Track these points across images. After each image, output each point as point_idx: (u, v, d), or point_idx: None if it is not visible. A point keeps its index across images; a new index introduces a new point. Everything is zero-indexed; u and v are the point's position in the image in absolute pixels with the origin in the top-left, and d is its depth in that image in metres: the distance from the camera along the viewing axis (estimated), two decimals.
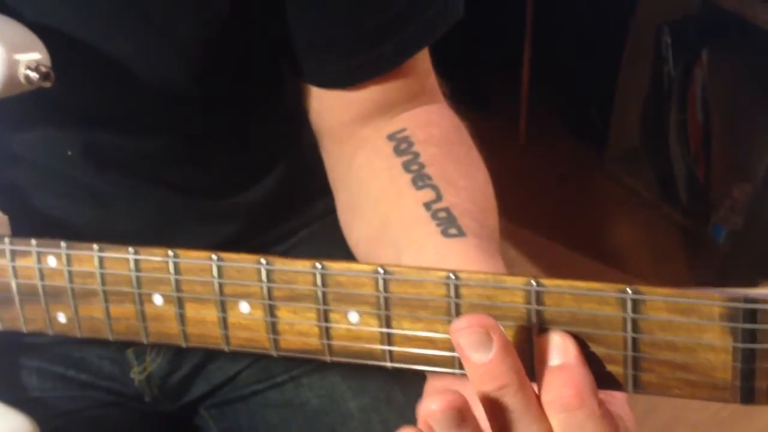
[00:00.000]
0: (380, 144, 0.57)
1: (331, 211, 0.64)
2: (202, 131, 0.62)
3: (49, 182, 0.60)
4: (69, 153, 0.58)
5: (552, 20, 1.78)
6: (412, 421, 0.35)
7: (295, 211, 0.70)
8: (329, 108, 0.60)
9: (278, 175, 0.68)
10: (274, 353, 0.41)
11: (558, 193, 1.77)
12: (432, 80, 0.62)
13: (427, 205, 0.51)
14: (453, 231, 0.49)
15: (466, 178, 0.54)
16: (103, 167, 0.60)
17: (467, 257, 0.48)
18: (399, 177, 0.54)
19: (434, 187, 0.52)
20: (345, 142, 0.60)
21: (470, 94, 2.03)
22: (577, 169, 1.85)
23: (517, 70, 1.82)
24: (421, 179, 0.53)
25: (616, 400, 0.38)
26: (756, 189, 1.46)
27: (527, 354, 0.35)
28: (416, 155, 0.54)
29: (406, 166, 0.54)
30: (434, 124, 0.58)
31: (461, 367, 0.37)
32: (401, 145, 0.56)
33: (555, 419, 0.34)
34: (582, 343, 0.34)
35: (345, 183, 0.61)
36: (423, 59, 0.60)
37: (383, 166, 0.56)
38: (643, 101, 1.72)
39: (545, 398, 0.34)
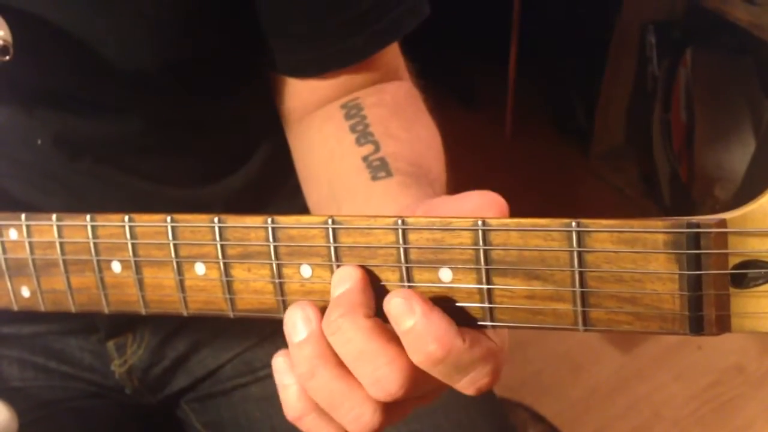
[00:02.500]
0: (333, 111, 0.58)
1: None
2: (176, 118, 0.61)
3: (18, 172, 0.60)
4: (39, 142, 0.58)
5: (538, 18, 1.79)
6: None
7: (276, 199, 0.70)
8: (295, 93, 0.61)
9: (256, 164, 0.67)
10: (230, 314, 0.41)
11: (542, 190, 1.77)
12: (397, 67, 0.63)
13: (365, 158, 0.52)
14: (381, 174, 0.50)
15: (409, 132, 0.55)
16: (75, 156, 0.60)
17: (390, 194, 0.49)
18: (344, 138, 0.55)
19: (374, 142, 0.53)
20: (303, 119, 0.61)
21: (457, 91, 2.04)
22: (562, 166, 1.85)
23: (503, 67, 1.83)
24: (364, 137, 0.54)
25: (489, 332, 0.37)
26: (738, 188, 1.46)
27: None
28: (363, 117, 0.56)
29: (353, 128, 0.55)
30: (386, 92, 0.60)
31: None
32: (351, 110, 0.57)
33: (433, 371, 0.35)
34: (527, 281, 0.34)
35: (301, 154, 0.62)
36: (392, 51, 0.61)
37: (332, 130, 0.57)
38: (628, 100, 1.73)
39: (415, 361, 0.34)
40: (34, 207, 0.60)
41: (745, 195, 1.35)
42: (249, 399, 0.71)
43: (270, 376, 0.70)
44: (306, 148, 0.61)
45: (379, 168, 0.51)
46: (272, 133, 0.67)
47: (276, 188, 0.70)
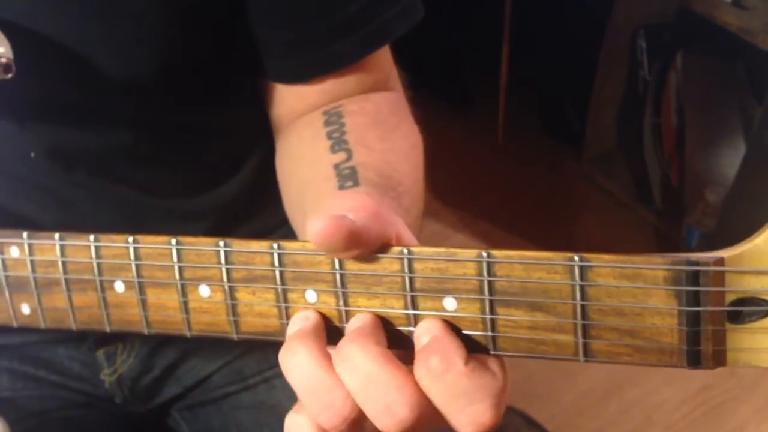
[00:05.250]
0: (314, 117, 0.58)
1: None
2: (169, 127, 0.62)
3: (11, 185, 0.60)
4: (32, 155, 0.58)
5: (530, 22, 1.80)
6: None
7: (265, 210, 0.70)
8: (283, 100, 0.61)
9: (248, 172, 0.68)
10: (234, 336, 0.42)
11: (534, 194, 1.78)
12: (388, 73, 0.63)
13: (336, 165, 0.52)
14: (349, 183, 0.50)
15: (385, 143, 0.55)
16: (68, 169, 0.59)
17: None
18: (319, 144, 0.55)
19: (347, 150, 0.53)
20: (290, 125, 0.61)
21: (448, 95, 2.04)
22: (554, 170, 1.86)
23: (495, 71, 1.84)
24: (338, 144, 0.54)
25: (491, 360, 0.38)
26: (729, 192, 1.47)
27: None
28: (342, 125, 0.56)
29: (329, 134, 0.55)
30: (370, 100, 0.59)
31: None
32: (332, 117, 0.57)
33: (432, 391, 0.35)
34: (530, 313, 0.35)
35: (280, 158, 0.62)
36: (383, 56, 0.61)
37: (310, 135, 0.57)
38: (619, 104, 1.74)
39: (417, 375, 0.35)
40: (26, 219, 0.61)
41: (735, 198, 1.36)
42: (239, 407, 0.71)
43: (259, 384, 0.71)
44: (285, 151, 0.61)
45: (347, 177, 0.51)
46: (264, 141, 0.67)
47: (268, 196, 0.70)
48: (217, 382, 0.71)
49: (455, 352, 0.35)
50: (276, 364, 0.70)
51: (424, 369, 0.35)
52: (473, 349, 0.36)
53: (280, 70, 0.59)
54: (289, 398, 0.69)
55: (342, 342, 0.36)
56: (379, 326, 0.37)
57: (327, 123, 0.57)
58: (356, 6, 0.56)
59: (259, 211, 0.70)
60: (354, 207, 0.38)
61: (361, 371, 0.35)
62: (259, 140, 0.68)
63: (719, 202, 1.50)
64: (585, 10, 1.69)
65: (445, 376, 0.34)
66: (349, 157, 0.52)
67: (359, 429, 0.36)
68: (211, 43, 0.59)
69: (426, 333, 0.36)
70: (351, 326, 0.38)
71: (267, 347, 0.71)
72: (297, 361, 0.36)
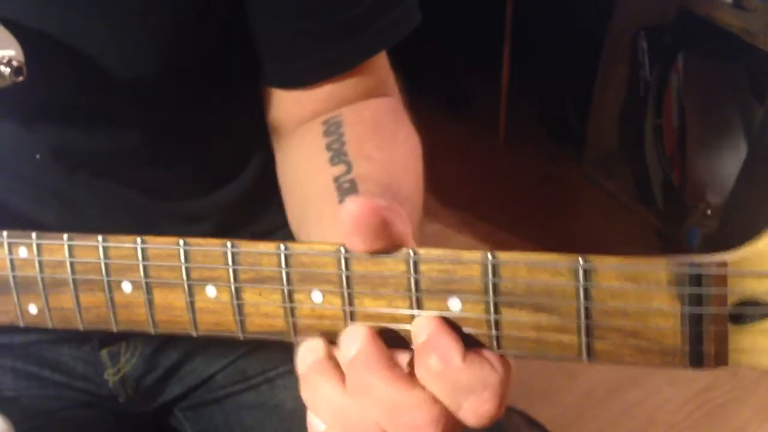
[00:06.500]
0: (314, 127, 0.58)
1: None
2: (174, 129, 0.62)
3: (16, 185, 0.60)
4: (37, 156, 0.58)
5: (531, 24, 1.81)
6: None
7: (270, 209, 0.70)
8: (281, 106, 0.61)
9: (251, 174, 0.68)
10: (240, 336, 0.42)
11: (535, 196, 1.78)
12: (387, 79, 0.63)
13: (336, 179, 0.52)
14: (352, 196, 0.50)
15: (384, 151, 0.55)
16: (72, 170, 0.60)
17: None
18: (319, 156, 0.55)
19: (347, 162, 0.53)
20: (289, 134, 0.61)
21: (449, 97, 2.05)
22: (555, 171, 1.87)
23: (496, 72, 1.84)
24: (338, 156, 0.54)
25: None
26: (730, 193, 1.48)
27: None
28: (341, 135, 0.56)
29: (329, 146, 0.56)
30: (368, 108, 0.59)
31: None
32: (331, 127, 0.57)
33: (435, 389, 0.36)
34: (534, 313, 0.35)
35: (281, 169, 0.62)
36: (380, 60, 0.61)
37: (309, 147, 0.57)
38: (620, 105, 1.75)
39: (418, 375, 0.36)
40: (31, 220, 0.61)
41: (737, 199, 1.37)
42: (242, 406, 0.71)
43: (262, 384, 0.71)
44: (285, 163, 0.61)
45: (347, 190, 0.51)
46: (267, 142, 0.67)
47: (272, 196, 0.71)
48: (221, 381, 0.72)
49: (451, 348, 0.36)
50: (279, 364, 0.71)
51: (424, 369, 0.36)
52: (477, 347, 0.36)
53: (279, 74, 0.59)
54: (292, 398, 0.70)
55: (351, 373, 0.37)
56: (379, 342, 0.37)
57: (326, 133, 0.57)
58: (358, 9, 0.56)
59: (263, 211, 0.70)
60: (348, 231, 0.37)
61: (386, 401, 0.36)
62: (263, 140, 0.68)
63: (720, 202, 1.50)
64: (586, 12, 1.69)
65: (445, 374, 0.35)
66: (349, 170, 0.53)
67: None
68: (216, 44, 0.59)
69: (422, 331, 0.37)
70: (354, 348, 0.37)
71: (271, 347, 0.72)
72: (322, 392, 0.38)
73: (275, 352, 0.71)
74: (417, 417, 0.35)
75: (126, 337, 0.69)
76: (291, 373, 0.69)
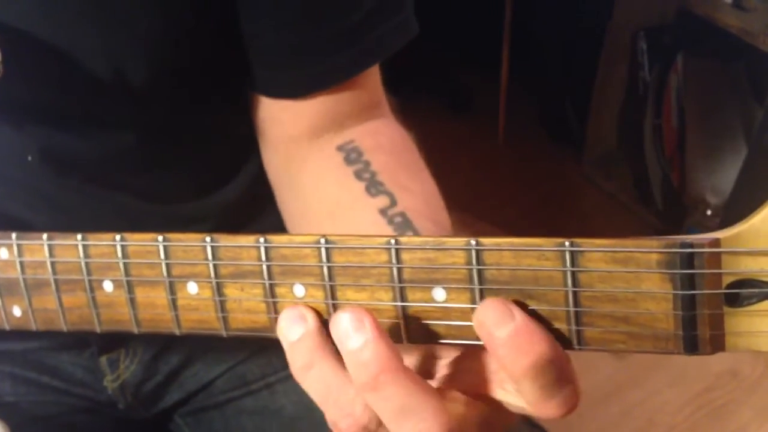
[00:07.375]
0: (330, 154, 0.57)
1: None
2: (165, 133, 0.61)
3: (6, 189, 0.60)
4: (29, 159, 0.57)
5: (530, 24, 1.81)
6: None
7: (267, 211, 0.69)
8: (278, 120, 0.59)
9: (249, 175, 0.67)
10: (224, 333, 0.41)
11: (535, 196, 1.77)
12: (381, 94, 0.62)
13: (383, 211, 0.51)
14: (409, 233, 0.49)
15: (417, 182, 0.55)
16: (64, 173, 0.59)
17: None
18: (352, 185, 0.54)
19: (388, 194, 0.52)
20: (293, 157, 0.59)
21: (449, 97, 2.05)
22: (555, 171, 1.86)
23: (495, 72, 1.84)
24: (374, 186, 0.53)
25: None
26: (730, 193, 1.46)
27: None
28: (367, 164, 0.55)
29: (358, 175, 0.54)
30: (381, 134, 0.58)
31: (407, 334, 0.37)
32: (351, 154, 0.56)
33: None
34: (520, 303, 0.34)
35: (294, 192, 0.60)
36: (375, 74, 0.60)
37: (335, 175, 0.56)
38: (619, 105, 1.74)
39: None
40: (22, 223, 0.60)
41: (736, 200, 1.36)
42: (242, 412, 0.71)
43: (262, 389, 0.70)
44: (302, 187, 0.59)
45: (402, 225, 0.50)
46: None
47: (270, 198, 0.70)
48: (220, 387, 0.71)
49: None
50: (279, 369, 0.70)
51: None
52: (463, 340, 0.35)
53: (274, 83, 0.57)
54: (292, 403, 0.69)
55: (359, 371, 0.35)
56: (388, 339, 0.35)
57: (349, 161, 0.55)
58: (355, 18, 0.55)
59: (260, 213, 0.69)
60: None
61: (395, 403, 0.34)
62: (256, 143, 0.66)
63: (720, 203, 1.49)
64: (586, 12, 1.69)
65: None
66: (393, 203, 0.51)
67: None
68: (207, 48, 0.58)
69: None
70: (367, 353, 0.35)
71: (269, 352, 0.71)
72: (315, 375, 0.37)
73: (275, 357, 0.71)
74: (431, 424, 0.34)
75: (125, 343, 0.68)
76: (291, 378, 0.68)
